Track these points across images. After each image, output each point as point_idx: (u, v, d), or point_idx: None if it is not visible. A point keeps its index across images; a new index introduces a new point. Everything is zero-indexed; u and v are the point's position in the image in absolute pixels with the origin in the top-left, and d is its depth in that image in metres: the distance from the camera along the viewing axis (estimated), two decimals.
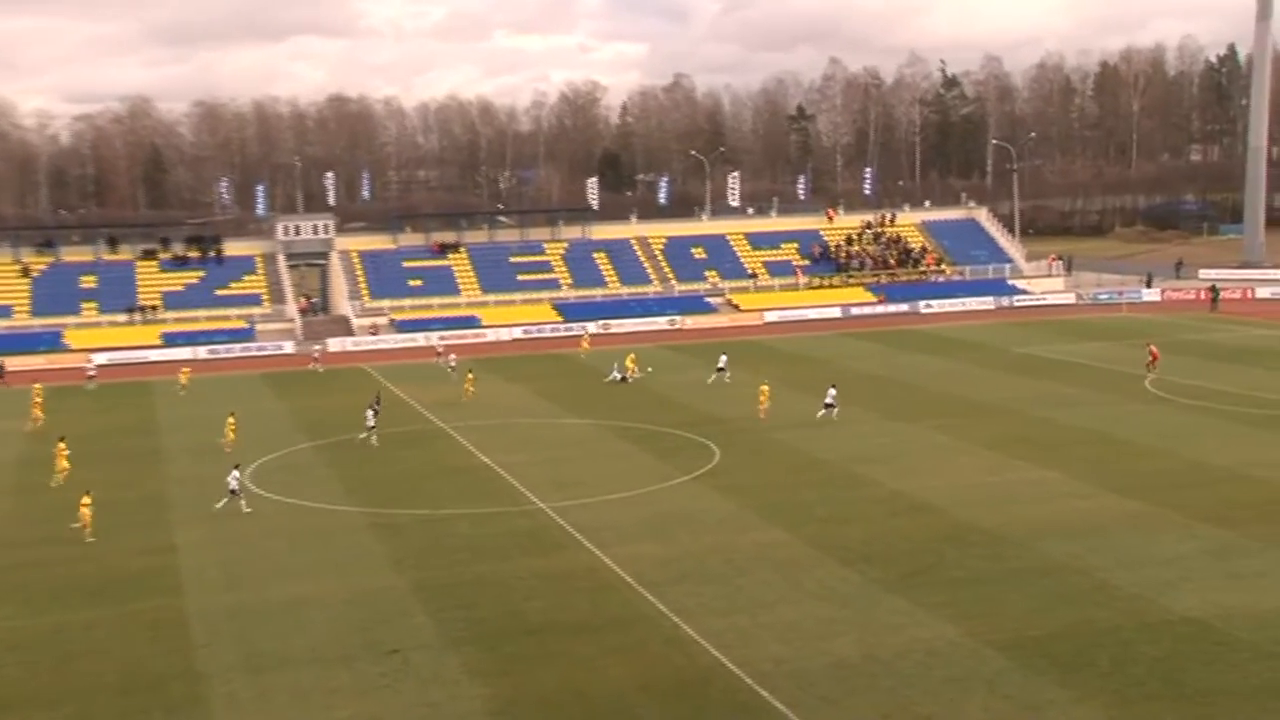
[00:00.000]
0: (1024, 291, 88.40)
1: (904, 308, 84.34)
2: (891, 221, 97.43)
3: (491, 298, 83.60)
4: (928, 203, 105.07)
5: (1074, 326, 74.62)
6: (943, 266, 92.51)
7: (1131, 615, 26.31)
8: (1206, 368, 57.55)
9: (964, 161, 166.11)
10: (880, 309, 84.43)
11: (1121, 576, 28.61)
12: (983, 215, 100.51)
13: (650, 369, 60.76)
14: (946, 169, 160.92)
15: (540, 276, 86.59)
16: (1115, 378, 55.54)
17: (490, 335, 77.32)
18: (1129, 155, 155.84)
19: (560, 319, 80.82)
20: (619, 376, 58.32)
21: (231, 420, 46.81)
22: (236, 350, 73.23)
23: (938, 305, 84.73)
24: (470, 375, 56.58)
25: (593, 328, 78.68)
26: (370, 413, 46.50)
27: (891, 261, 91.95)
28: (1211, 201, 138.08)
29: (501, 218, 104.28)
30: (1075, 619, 26.21)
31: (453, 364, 62.32)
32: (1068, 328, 74.18)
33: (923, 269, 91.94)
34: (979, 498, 35.97)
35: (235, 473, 37.47)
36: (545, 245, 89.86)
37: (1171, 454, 40.84)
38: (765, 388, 50.23)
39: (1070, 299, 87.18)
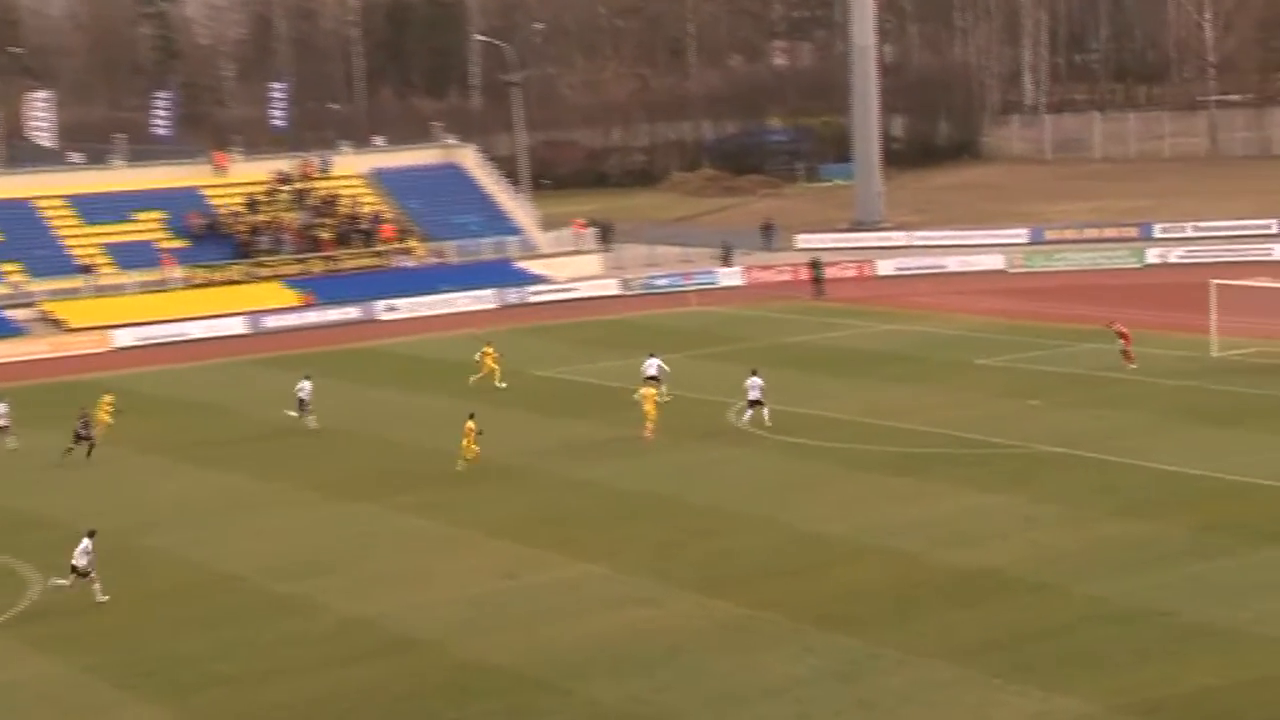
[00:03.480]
0: (541, 279, 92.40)
1: (352, 313, 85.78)
2: (323, 171, 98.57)
3: None
4: (380, 139, 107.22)
5: (620, 332, 78.69)
6: (411, 243, 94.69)
7: None
8: (811, 385, 62.49)
9: (435, 70, 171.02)
10: (312, 317, 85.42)
11: None
12: (469, 158, 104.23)
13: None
14: (406, 83, 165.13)
15: None
16: (685, 409, 58.80)
17: None
18: (685, 60, 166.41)
19: None
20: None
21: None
22: None
23: (406, 307, 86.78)
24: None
25: None
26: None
27: (326, 238, 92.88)
28: (807, 129, 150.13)
29: None
30: None
31: None
32: (611, 334, 78.18)
33: (379, 249, 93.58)
34: (489, 618, 36.97)
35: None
36: None
37: (770, 523, 43.80)
38: (650, 392, 55.41)
39: (612, 288, 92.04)
